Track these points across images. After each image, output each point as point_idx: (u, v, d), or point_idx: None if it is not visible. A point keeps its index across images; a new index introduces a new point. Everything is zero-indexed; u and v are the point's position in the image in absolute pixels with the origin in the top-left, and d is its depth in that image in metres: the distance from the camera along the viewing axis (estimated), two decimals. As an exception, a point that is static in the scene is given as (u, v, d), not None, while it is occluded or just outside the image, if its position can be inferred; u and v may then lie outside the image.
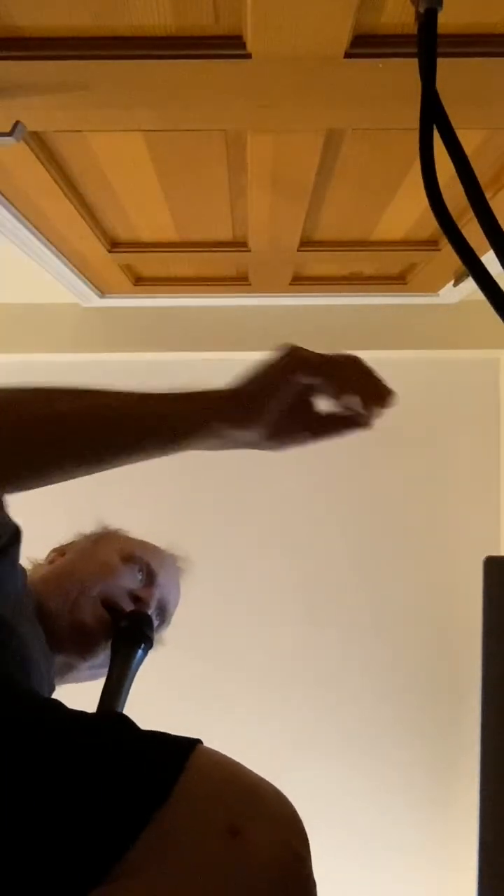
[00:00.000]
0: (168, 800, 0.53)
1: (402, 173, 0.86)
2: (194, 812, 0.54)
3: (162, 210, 0.99)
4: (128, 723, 0.64)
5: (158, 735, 0.61)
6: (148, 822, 0.52)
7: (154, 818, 0.52)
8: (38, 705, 0.68)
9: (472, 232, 0.50)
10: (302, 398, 0.68)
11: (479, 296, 0.48)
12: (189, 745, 0.58)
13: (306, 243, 1.13)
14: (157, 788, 0.54)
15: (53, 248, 1.12)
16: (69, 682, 0.88)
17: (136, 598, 0.89)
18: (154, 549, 0.96)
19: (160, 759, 0.57)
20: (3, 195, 0.90)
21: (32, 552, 0.88)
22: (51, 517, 1.72)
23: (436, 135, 0.53)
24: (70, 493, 1.75)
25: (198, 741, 0.59)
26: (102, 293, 1.45)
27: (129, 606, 0.87)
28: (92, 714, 0.65)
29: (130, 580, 0.90)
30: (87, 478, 1.82)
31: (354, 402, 0.68)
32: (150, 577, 0.92)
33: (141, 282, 1.39)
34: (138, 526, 1.73)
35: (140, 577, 0.91)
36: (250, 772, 0.59)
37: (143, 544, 0.96)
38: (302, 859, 0.54)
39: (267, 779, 0.59)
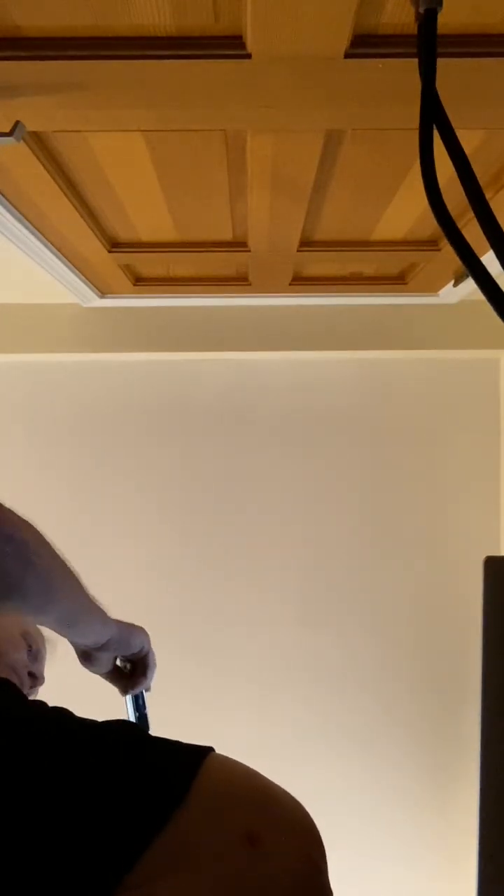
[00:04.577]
0: (183, 803, 0.53)
1: (402, 173, 0.86)
2: (211, 816, 0.53)
3: (162, 210, 0.99)
4: (139, 730, 0.64)
5: (171, 741, 0.61)
6: (164, 825, 0.51)
7: (170, 821, 0.52)
8: (49, 712, 0.68)
9: (472, 232, 0.50)
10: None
11: (479, 296, 0.48)
12: (202, 751, 0.58)
13: (306, 243, 1.13)
14: (171, 792, 0.54)
15: (53, 248, 1.12)
16: None
17: (30, 673, 0.95)
18: (38, 630, 1.02)
19: (174, 763, 0.57)
20: (3, 195, 0.90)
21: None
22: (55, 497, 1.73)
23: (436, 135, 0.53)
24: (71, 480, 1.75)
25: (210, 748, 0.59)
26: (102, 293, 1.45)
27: (27, 682, 0.93)
28: (102, 722, 0.65)
29: (25, 655, 0.96)
30: (86, 472, 1.82)
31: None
32: (36, 655, 0.98)
33: (141, 282, 1.39)
34: (137, 526, 1.74)
35: (29, 654, 0.96)
36: (265, 778, 0.59)
37: (31, 623, 1.02)
38: (321, 871, 0.54)
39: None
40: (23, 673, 0.93)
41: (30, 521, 0.63)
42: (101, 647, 0.83)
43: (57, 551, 0.67)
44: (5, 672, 0.90)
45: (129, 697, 0.94)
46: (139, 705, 0.96)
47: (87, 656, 0.85)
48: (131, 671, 0.92)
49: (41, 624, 0.80)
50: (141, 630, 0.89)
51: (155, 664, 0.93)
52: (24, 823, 0.52)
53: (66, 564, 0.69)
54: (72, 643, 0.83)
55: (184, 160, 0.83)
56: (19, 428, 1.76)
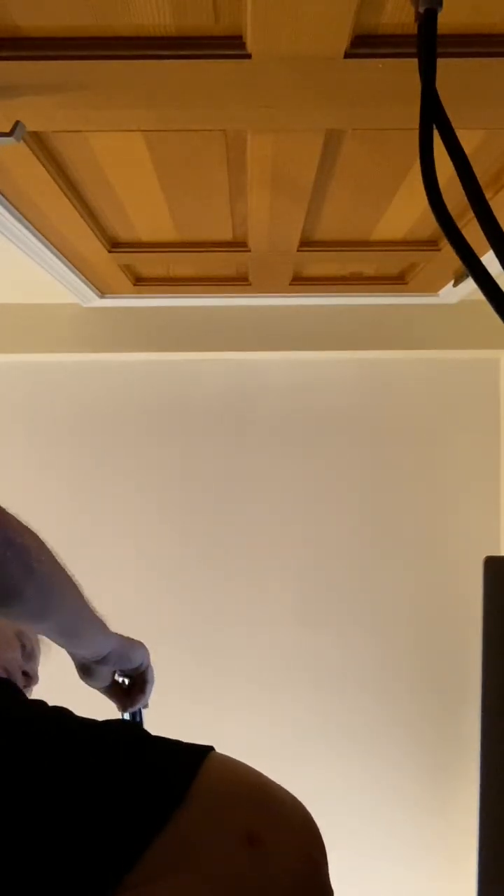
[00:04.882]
0: (183, 803, 0.53)
1: (402, 173, 0.86)
2: (211, 816, 0.53)
3: (162, 210, 0.99)
4: (139, 729, 0.64)
5: (171, 741, 0.61)
6: (164, 825, 0.51)
7: (170, 821, 0.52)
8: (49, 712, 0.68)
9: (472, 232, 0.50)
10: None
11: (479, 296, 0.48)
12: (202, 751, 0.58)
13: (306, 243, 1.13)
14: (171, 791, 0.54)
15: (53, 248, 1.12)
16: None
17: (24, 673, 0.95)
18: (31, 629, 1.02)
19: (174, 763, 0.57)
20: (3, 195, 0.90)
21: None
22: (55, 497, 1.73)
23: (436, 135, 0.53)
24: (71, 480, 1.75)
25: (211, 748, 0.59)
26: (102, 293, 1.45)
27: (21, 681, 0.92)
28: (102, 722, 0.65)
29: (19, 654, 0.96)
30: (86, 472, 1.82)
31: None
32: (30, 655, 0.98)
33: (141, 282, 1.39)
34: (137, 526, 1.74)
35: (23, 653, 0.96)
36: (266, 777, 0.59)
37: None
38: (320, 870, 0.54)
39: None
40: (16, 672, 0.93)
41: (32, 528, 0.63)
42: (101, 661, 0.82)
43: (59, 560, 0.67)
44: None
45: (127, 714, 0.95)
46: (136, 722, 0.96)
47: (86, 669, 0.85)
48: (129, 687, 0.92)
49: (40, 632, 0.80)
50: (141, 645, 0.89)
51: (153, 680, 0.93)
52: (24, 823, 0.52)
53: (67, 574, 0.69)
54: (71, 655, 0.83)
55: (184, 160, 0.83)
56: (19, 428, 1.76)
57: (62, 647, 0.77)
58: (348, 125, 0.74)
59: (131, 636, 0.88)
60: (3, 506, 0.59)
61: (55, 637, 0.73)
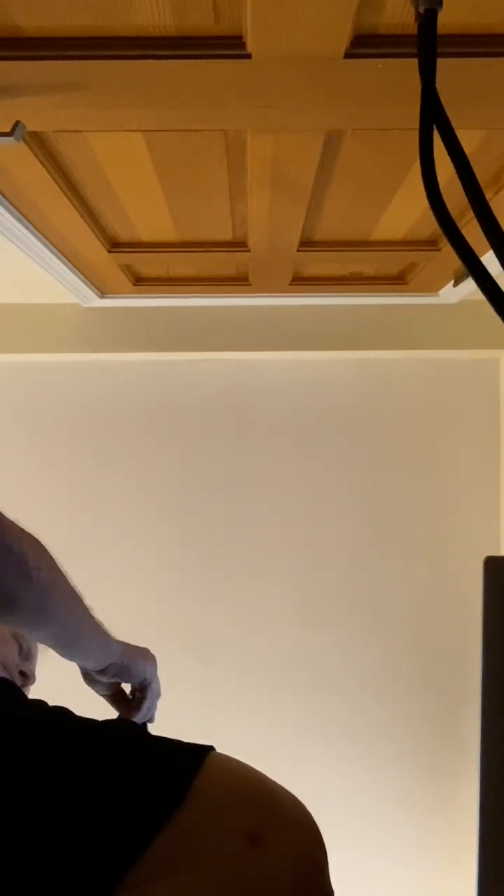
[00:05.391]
0: (184, 802, 0.53)
1: (402, 173, 0.86)
2: (212, 815, 0.53)
3: (162, 210, 0.99)
4: (139, 729, 0.64)
5: (171, 741, 0.61)
6: (164, 824, 0.51)
7: (170, 820, 0.52)
8: (49, 712, 0.68)
9: (472, 232, 0.50)
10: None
11: (479, 296, 0.48)
12: (203, 751, 0.58)
13: (306, 243, 1.13)
14: (172, 791, 0.54)
15: (53, 248, 1.12)
16: None
17: (21, 672, 0.94)
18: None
19: (174, 762, 0.57)
20: (3, 195, 0.90)
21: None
22: (55, 497, 1.73)
23: (436, 135, 0.53)
24: (71, 480, 1.75)
25: (211, 747, 0.59)
26: (102, 293, 1.45)
27: (18, 680, 0.91)
28: (102, 722, 0.65)
29: (16, 654, 0.95)
30: (86, 472, 1.82)
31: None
32: (27, 654, 0.97)
33: (141, 282, 1.39)
34: (137, 526, 1.74)
35: (20, 653, 0.96)
36: (266, 777, 0.59)
37: None
38: (322, 870, 0.54)
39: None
40: (14, 671, 0.92)
41: (34, 536, 0.62)
42: (101, 671, 0.82)
43: (60, 568, 0.66)
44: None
45: None
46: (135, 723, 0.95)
47: (88, 675, 0.85)
48: (133, 697, 0.91)
49: (38, 641, 0.80)
50: (148, 658, 0.88)
51: (159, 694, 0.92)
52: (25, 823, 0.52)
53: (68, 582, 0.68)
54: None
55: (184, 160, 0.83)
56: (19, 428, 1.76)
57: (61, 656, 0.77)
58: (348, 125, 0.74)
59: (140, 644, 0.87)
60: (3, 510, 0.59)
61: (52, 645, 0.72)
